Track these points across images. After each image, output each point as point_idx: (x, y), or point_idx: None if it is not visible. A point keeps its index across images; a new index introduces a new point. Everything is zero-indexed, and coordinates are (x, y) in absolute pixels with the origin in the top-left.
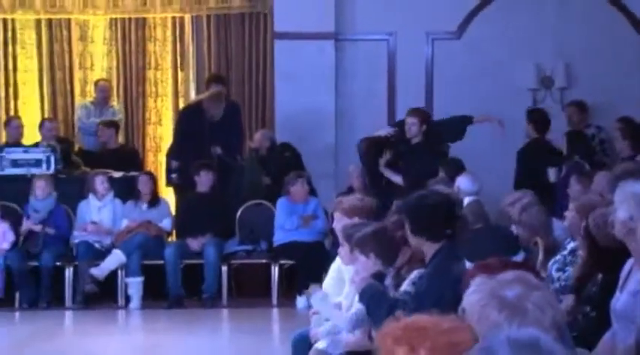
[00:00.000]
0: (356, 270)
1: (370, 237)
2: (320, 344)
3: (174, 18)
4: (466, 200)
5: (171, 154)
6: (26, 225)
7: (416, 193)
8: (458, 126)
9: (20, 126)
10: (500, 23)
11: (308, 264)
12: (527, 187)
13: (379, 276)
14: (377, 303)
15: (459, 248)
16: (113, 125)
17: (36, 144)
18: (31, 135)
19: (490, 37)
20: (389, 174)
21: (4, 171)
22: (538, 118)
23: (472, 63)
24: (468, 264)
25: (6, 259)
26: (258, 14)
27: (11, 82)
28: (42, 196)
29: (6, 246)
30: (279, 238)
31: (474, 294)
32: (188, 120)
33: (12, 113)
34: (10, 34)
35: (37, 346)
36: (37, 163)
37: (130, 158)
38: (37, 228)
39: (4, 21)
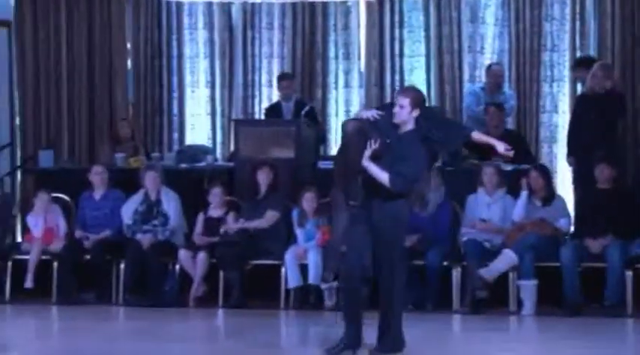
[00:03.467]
0: None
1: None
2: None
3: None
4: None
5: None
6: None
7: None
8: (455, 138)
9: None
10: None
11: None
12: None
13: None
14: None
15: None
16: (504, 109)
17: None
18: None
19: None
20: (374, 170)
21: None
22: None
23: None
24: None
25: None
26: None
27: (397, 68)
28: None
29: None
30: None
31: None
32: (582, 108)
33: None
34: (397, 17)
35: (420, 350)
36: None
37: (515, 147)
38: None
39: (392, 3)
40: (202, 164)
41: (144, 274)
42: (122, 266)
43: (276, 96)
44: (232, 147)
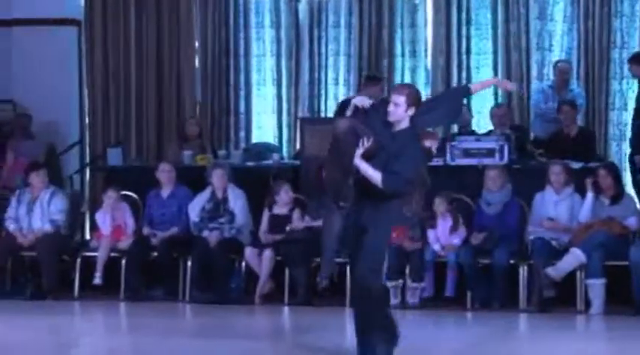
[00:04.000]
0: None
1: None
2: None
3: None
4: None
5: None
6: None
7: None
8: (451, 103)
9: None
10: None
11: None
12: None
13: None
14: None
15: None
16: (576, 106)
17: (488, 133)
18: (485, 122)
19: None
20: (366, 169)
21: (455, 162)
22: None
23: None
24: None
25: (457, 256)
26: None
27: (464, 65)
28: (495, 188)
29: (457, 241)
30: None
31: None
32: None
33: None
34: (464, 14)
35: (487, 349)
36: (490, 153)
37: (587, 145)
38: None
39: (459, 1)
40: (268, 162)
41: (210, 271)
42: (189, 263)
43: (342, 95)
44: (298, 145)
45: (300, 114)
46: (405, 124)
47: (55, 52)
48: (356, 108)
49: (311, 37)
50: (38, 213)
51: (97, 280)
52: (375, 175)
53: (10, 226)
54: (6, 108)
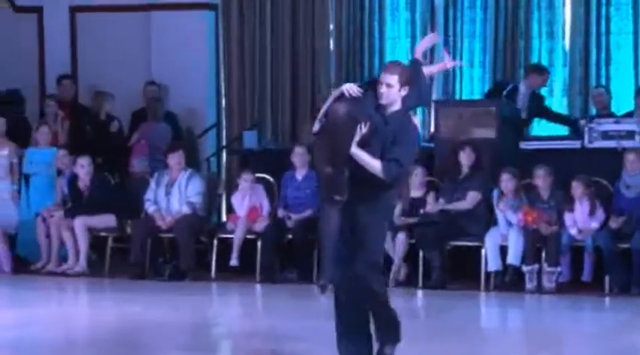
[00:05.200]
0: None
1: None
2: None
3: None
4: None
5: None
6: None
7: None
8: (420, 79)
9: None
10: None
11: None
12: None
13: None
14: None
15: None
16: None
17: (628, 114)
18: (625, 103)
19: None
20: (364, 157)
21: (592, 144)
22: None
23: None
24: None
25: (595, 240)
26: None
27: (603, 46)
28: (634, 171)
29: (595, 225)
30: None
31: None
32: None
33: (603, 80)
34: None
35: (627, 335)
36: (629, 135)
37: None
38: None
39: None
40: None
41: None
42: None
43: (477, 78)
44: (432, 128)
45: (434, 97)
46: (397, 106)
47: (192, 36)
48: (341, 94)
49: (446, 18)
50: (176, 195)
51: (234, 261)
52: (373, 164)
53: (150, 208)
54: (152, 90)
